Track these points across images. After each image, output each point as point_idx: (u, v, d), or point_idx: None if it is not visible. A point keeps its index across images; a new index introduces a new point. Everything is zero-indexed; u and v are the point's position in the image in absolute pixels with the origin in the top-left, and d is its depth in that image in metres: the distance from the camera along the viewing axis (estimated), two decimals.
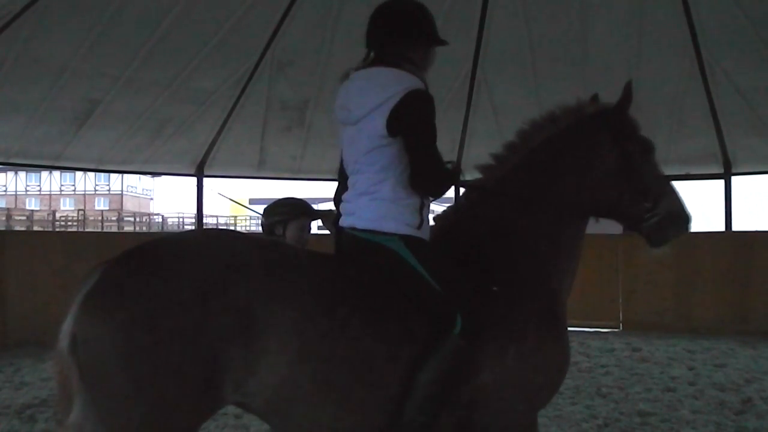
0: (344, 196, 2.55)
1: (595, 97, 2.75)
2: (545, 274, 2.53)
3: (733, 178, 9.00)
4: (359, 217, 2.42)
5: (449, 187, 2.48)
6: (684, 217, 2.63)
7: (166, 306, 1.94)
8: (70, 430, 1.99)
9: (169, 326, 1.92)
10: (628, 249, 8.37)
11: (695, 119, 8.44)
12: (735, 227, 9.05)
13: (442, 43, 2.53)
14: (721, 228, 9.04)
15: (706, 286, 8.36)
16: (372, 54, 2.52)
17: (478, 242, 2.52)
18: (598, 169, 2.59)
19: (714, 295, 8.32)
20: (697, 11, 7.42)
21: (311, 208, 3.64)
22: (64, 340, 1.97)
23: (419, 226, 2.40)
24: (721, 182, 9.03)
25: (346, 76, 2.53)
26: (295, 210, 3.57)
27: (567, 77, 8.10)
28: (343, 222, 2.52)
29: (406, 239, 2.35)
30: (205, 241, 2.23)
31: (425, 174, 2.36)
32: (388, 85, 2.36)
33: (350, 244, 2.46)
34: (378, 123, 2.34)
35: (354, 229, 2.43)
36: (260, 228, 3.60)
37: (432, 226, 2.62)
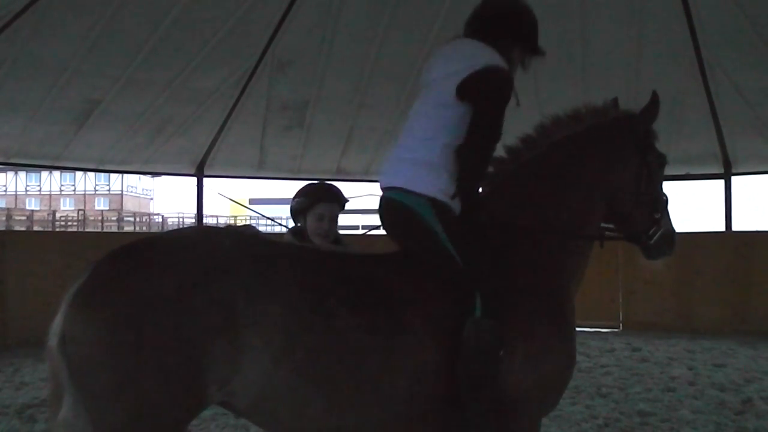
0: (389, 155, 2.57)
1: (615, 101, 2.73)
2: (556, 274, 2.48)
3: (733, 178, 9.01)
4: (395, 176, 2.45)
5: (480, 174, 2.42)
6: (675, 240, 2.70)
7: (148, 303, 1.94)
8: (60, 428, 1.99)
9: (151, 324, 1.92)
10: (628, 249, 8.34)
11: (695, 119, 8.44)
12: (735, 227, 9.06)
13: (540, 52, 2.61)
14: (721, 228, 9.05)
15: (706, 286, 8.36)
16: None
17: (488, 237, 2.45)
18: (619, 175, 2.58)
19: (714, 295, 8.33)
20: (697, 11, 7.42)
21: (331, 193, 3.15)
22: (53, 338, 1.98)
23: (453, 197, 2.39)
24: (721, 182, 9.04)
25: (446, 41, 2.60)
26: (313, 196, 3.12)
27: (567, 77, 8.10)
28: (381, 182, 2.53)
29: (434, 202, 2.35)
30: (193, 239, 2.23)
31: (470, 150, 2.36)
32: (474, 56, 2.41)
33: (382, 208, 2.49)
34: (451, 84, 2.38)
35: (389, 188, 2.46)
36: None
37: None
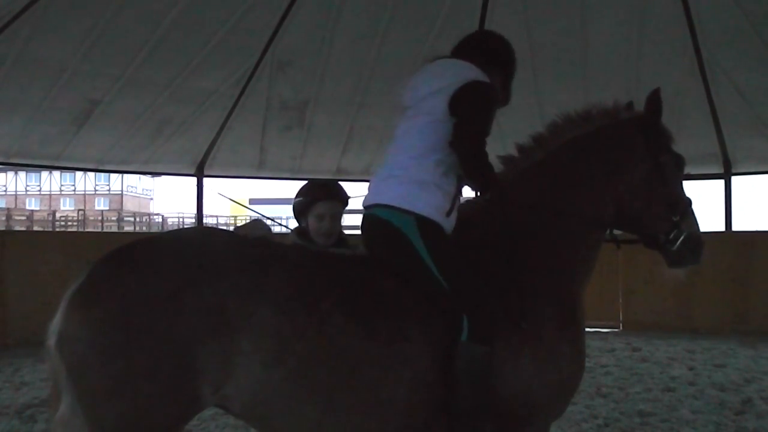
0: (376, 173, 2.50)
1: (630, 104, 2.65)
2: (566, 279, 2.42)
3: (733, 178, 9.01)
4: (382, 193, 2.38)
5: (485, 174, 2.34)
6: (702, 246, 2.58)
7: (138, 305, 1.93)
8: (58, 426, 2.00)
9: (141, 325, 1.92)
10: (628, 249, 8.34)
11: (695, 119, 8.43)
12: (735, 227, 9.06)
13: (507, 99, 2.72)
14: (721, 228, 9.04)
15: (706, 286, 8.35)
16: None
17: (494, 241, 2.40)
18: (628, 177, 2.50)
19: (714, 295, 8.32)
20: (697, 11, 7.42)
21: (329, 191, 3.07)
22: (52, 337, 1.99)
23: (448, 213, 2.34)
24: (721, 182, 9.04)
25: (422, 64, 2.62)
26: (310, 196, 3.05)
27: (567, 77, 8.10)
28: (365, 200, 2.46)
29: (421, 222, 2.27)
30: (189, 240, 2.22)
31: (466, 153, 2.31)
32: (459, 73, 2.43)
33: (365, 225, 2.42)
34: (440, 101, 2.38)
35: (376, 205, 2.38)
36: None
37: None
